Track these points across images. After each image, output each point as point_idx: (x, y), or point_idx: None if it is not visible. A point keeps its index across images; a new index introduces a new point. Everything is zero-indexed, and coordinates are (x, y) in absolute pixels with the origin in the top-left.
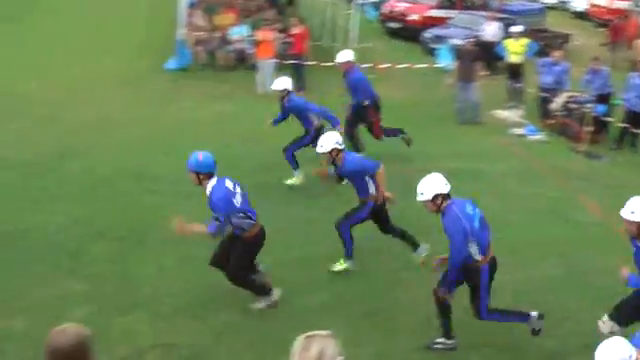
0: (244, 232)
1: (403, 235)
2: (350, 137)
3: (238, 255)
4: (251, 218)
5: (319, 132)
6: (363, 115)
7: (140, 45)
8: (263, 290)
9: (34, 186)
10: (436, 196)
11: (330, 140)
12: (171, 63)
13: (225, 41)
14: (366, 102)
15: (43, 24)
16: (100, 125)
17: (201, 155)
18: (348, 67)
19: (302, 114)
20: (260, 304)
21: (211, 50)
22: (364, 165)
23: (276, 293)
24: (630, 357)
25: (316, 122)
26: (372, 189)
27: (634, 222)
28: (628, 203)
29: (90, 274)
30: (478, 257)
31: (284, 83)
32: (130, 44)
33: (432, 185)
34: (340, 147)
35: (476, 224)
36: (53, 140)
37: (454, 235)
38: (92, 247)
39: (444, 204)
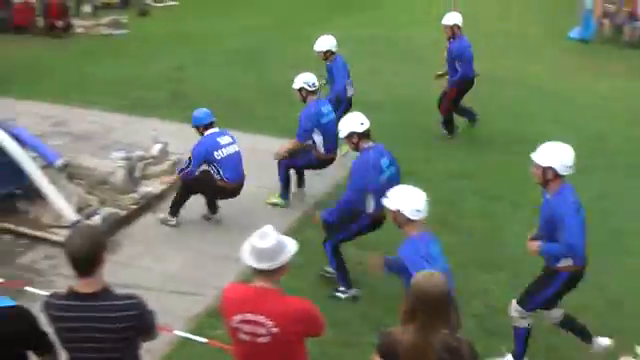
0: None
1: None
2: (458, 110)
3: (202, 178)
4: (222, 177)
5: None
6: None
7: (539, 9)
8: (176, 210)
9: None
10: (351, 134)
11: (300, 78)
12: (575, 32)
13: (634, 17)
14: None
15: None
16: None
17: (197, 111)
18: (456, 32)
19: None
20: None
21: (618, 24)
22: (308, 123)
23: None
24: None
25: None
26: (321, 149)
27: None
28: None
29: (460, 227)
30: (370, 211)
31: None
32: (528, 7)
33: (348, 123)
34: (310, 89)
35: (383, 177)
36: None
37: (354, 178)
38: (466, 202)
39: (362, 144)
